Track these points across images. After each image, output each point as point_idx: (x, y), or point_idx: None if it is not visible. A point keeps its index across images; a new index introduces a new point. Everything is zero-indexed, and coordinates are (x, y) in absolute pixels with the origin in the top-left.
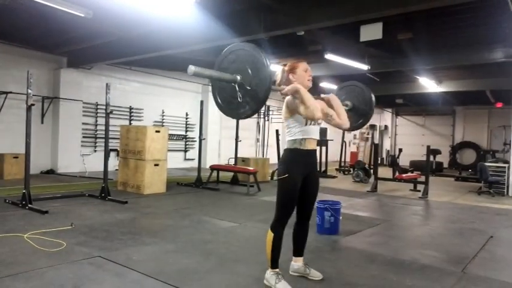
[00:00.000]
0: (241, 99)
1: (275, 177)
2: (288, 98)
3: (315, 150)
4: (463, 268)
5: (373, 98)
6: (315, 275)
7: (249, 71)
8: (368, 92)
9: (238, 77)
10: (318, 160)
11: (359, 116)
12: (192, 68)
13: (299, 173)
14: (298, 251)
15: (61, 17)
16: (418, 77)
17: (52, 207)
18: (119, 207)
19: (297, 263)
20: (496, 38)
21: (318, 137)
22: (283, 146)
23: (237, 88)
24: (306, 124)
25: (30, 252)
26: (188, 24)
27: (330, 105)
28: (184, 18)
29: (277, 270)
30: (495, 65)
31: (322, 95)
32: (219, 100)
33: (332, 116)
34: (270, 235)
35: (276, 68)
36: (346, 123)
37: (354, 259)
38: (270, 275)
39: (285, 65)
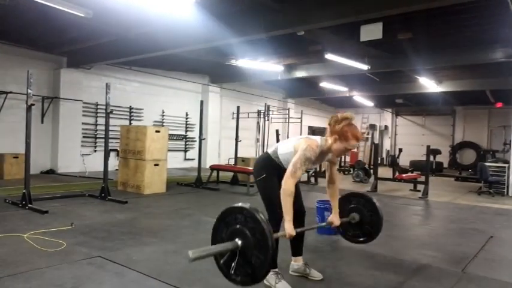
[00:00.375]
0: (244, 267)
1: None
2: (307, 154)
3: None
4: (463, 268)
5: (381, 216)
6: (315, 274)
7: (248, 233)
8: (378, 213)
9: (239, 242)
10: None
11: (362, 233)
12: (191, 256)
13: (275, 174)
14: (296, 250)
15: (61, 17)
16: (418, 77)
17: (52, 207)
18: (118, 207)
19: (296, 263)
20: (496, 38)
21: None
22: None
23: (239, 254)
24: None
25: (30, 252)
26: (188, 24)
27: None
28: (184, 18)
29: (276, 269)
30: (495, 65)
31: (329, 220)
32: (224, 268)
33: (328, 166)
34: None
35: (273, 67)
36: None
37: (354, 259)
38: (269, 275)
39: (348, 121)
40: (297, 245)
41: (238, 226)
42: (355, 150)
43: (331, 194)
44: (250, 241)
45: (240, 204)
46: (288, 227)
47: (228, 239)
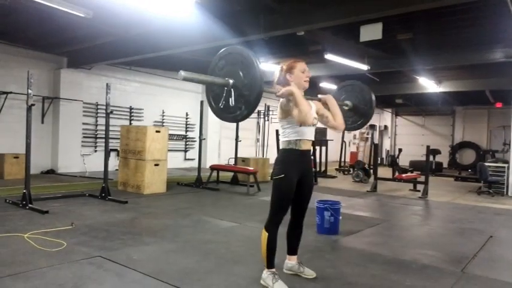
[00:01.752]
0: (235, 103)
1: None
2: (282, 99)
3: (310, 150)
4: (463, 268)
5: (373, 98)
6: (308, 273)
7: (240, 73)
8: (368, 91)
9: (231, 81)
10: (318, 160)
11: (359, 116)
12: (182, 74)
13: (295, 173)
14: (292, 250)
15: (61, 17)
16: (417, 77)
17: (52, 207)
18: (119, 207)
19: (290, 261)
20: (496, 38)
21: (312, 138)
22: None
23: (230, 92)
24: (300, 125)
25: (31, 252)
26: (188, 25)
27: (327, 106)
28: (185, 18)
29: (273, 270)
30: (495, 65)
31: (320, 96)
32: (213, 104)
33: (328, 118)
34: (265, 235)
35: (273, 68)
36: (341, 126)
37: (354, 259)
38: (266, 275)
39: (283, 64)
40: (293, 244)
41: (233, 67)
42: (356, 150)
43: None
44: (242, 80)
45: (241, 47)
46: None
47: (223, 76)
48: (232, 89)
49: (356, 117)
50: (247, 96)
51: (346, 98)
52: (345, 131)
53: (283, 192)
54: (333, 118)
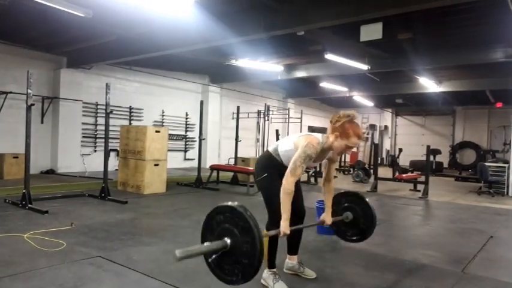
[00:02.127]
0: (232, 267)
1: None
2: (306, 148)
3: None
4: (463, 268)
5: (375, 215)
6: (309, 273)
7: (239, 235)
8: (368, 206)
9: (228, 241)
10: None
11: (357, 231)
12: (177, 255)
13: (276, 173)
14: (293, 250)
15: (61, 17)
16: (418, 77)
17: (52, 207)
18: (118, 207)
19: (291, 261)
20: (496, 38)
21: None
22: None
23: (228, 254)
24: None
25: (30, 252)
26: (188, 24)
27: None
28: (184, 18)
29: (274, 270)
30: (495, 65)
31: (322, 217)
32: (210, 262)
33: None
34: (265, 234)
35: (273, 67)
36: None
37: (354, 259)
38: (267, 275)
39: (350, 119)
40: (293, 244)
41: (227, 225)
42: (355, 150)
43: (325, 192)
44: (239, 240)
45: (229, 203)
46: (283, 225)
47: (217, 237)
48: (230, 250)
49: (353, 231)
50: (246, 265)
51: (348, 208)
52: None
53: (271, 189)
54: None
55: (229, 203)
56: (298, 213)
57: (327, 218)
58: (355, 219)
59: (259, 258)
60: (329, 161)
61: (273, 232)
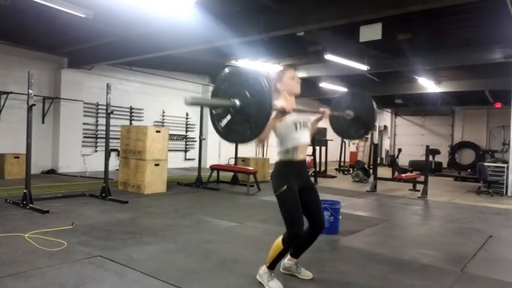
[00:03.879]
0: (243, 124)
1: (274, 193)
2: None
3: (305, 160)
4: (462, 268)
5: (375, 107)
6: (305, 274)
7: (247, 93)
8: (369, 99)
9: (237, 102)
10: (318, 160)
11: (361, 125)
12: (188, 99)
13: (296, 183)
14: (296, 254)
15: (62, 17)
16: (417, 77)
17: (53, 207)
18: (119, 207)
19: (289, 262)
20: (495, 38)
21: (308, 141)
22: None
23: (237, 113)
24: (295, 129)
25: (31, 252)
26: (188, 25)
27: (316, 124)
28: (185, 18)
29: (272, 270)
30: (494, 65)
31: (321, 109)
32: (219, 127)
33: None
34: (279, 245)
35: (272, 68)
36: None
37: (354, 259)
38: (263, 272)
39: (271, 74)
40: (301, 250)
41: (238, 88)
42: (356, 150)
43: None
44: (249, 101)
45: (243, 68)
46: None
47: (228, 96)
48: (239, 110)
49: (357, 127)
50: (255, 116)
51: (348, 107)
52: (346, 139)
53: (289, 203)
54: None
55: (238, 66)
56: (314, 225)
57: (326, 109)
58: (356, 115)
59: (269, 105)
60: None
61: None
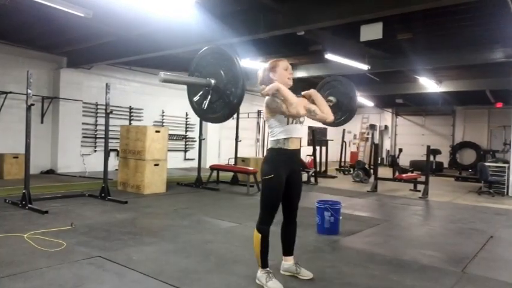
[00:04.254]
0: (218, 103)
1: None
2: (267, 98)
3: (299, 149)
4: (463, 268)
5: (355, 93)
6: (305, 274)
7: (222, 72)
8: (350, 86)
9: (213, 81)
10: (318, 160)
11: (343, 112)
12: (161, 75)
13: (283, 172)
14: (287, 250)
15: (61, 17)
16: (418, 77)
17: (52, 207)
18: (118, 207)
19: (287, 262)
20: (496, 38)
21: (301, 136)
22: None
23: (213, 91)
24: (287, 123)
25: (30, 252)
26: (188, 24)
27: (312, 101)
28: (185, 18)
29: (267, 269)
30: (495, 65)
31: (303, 92)
32: (196, 106)
33: (315, 111)
34: (257, 236)
35: (258, 67)
36: (330, 116)
37: (354, 259)
38: (261, 274)
39: (265, 65)
40: (288, 244)
41: (214, 67)
42: (356, 150)
43: None
44: (223, 79)
45: (219, 47)
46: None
47: (205, 76)
48: (214, 89)
49: (340, 113)
50: (229, 95)
51: (330, 93)
52: (330, 125)
53: (273, 191)
54: (320, 110)
55: (219, 46)
56: (291, 212)
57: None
58: (338, 101)
59: (241, 92)
60: (311, 112)
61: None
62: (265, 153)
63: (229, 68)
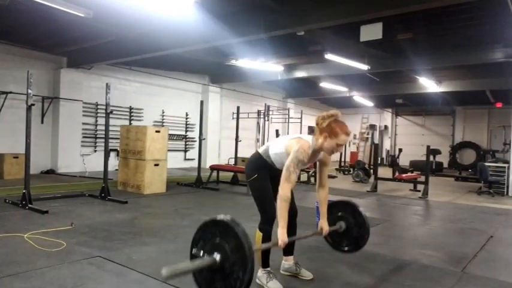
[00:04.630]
0: (223, 283)
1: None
2: (297, 153)
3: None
4: (463, 268)
5: (367, 222)
6: (305, 274)
7: (226, 247)
8: (361, 216)
9: (218, 257)
10: None
11: (350, 241)
12: (164, 273)
13: (266, 173)
14: (288, 250)
15: (61, 17)
16: (418, 77)
17: (52, 207)
18: (119, 207)
19: (287, 262)
20: (496, 38)
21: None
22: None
23: (220, 270)
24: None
25: (30, 252)
26: (188, 24)
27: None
28: (184, 18)
29: (268, 269)
30: (495, 65)
31: (320, 228)
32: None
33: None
34: (259, 235)
35: (273, 67)
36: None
37: (354, 259)
38: (261, 273)
39: (335, 118)
40: (288, 245)
41: (217, 240)
42: (356, 150)
43: (320, 198)
44: (229, 257)
45: (221, 216)
46: (281, 234)
47: (207, 252)
48: (219, 270)
49: (347, 242)
50: (236, 280)
51: (342, 218)
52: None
53: (261, 188)
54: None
55: (222, 217)
56: (289, 212)
57: (324, 224)
58: (348, 228)
59: (250, 277)
60: (321, 164)
61: (270, 244)
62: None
63: (232, 242)
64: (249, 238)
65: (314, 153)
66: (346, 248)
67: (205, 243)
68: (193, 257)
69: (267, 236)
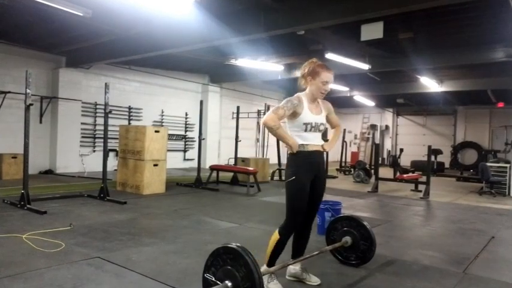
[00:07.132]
0: None
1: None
2: (288, 101)
3: (320, 151)
4: (465, 269)
5: (374, 237)
6: (313, 279)
7: (237, 275)
8: (366, 227)
9: (229, 284)
10: None
11: (357, 255)
12: None
13: (306, 175)
14: (297, 255)
15: (60, 16)
16: (419, 77)
17: (51, 208)
18: (118, 208)
19: (294, 267)
20: (497, 37)
21: (320, 143)
22: (283, 146)
23: None
24: (305, 131)
25: (29, 253)
26: (188, 24)
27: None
28: (184, 17)
29: (271, 270)
30: (496, 64)
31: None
32: None
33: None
34: (276, 236)
35: (273, 66)
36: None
37: None
38: (264, 271)
39: (314, 62)
40: (299, 247)
41: (229, 267)
42: (356, 150)
43: (332, 131)
44: (240, 286)
45: (233, 245)
46: (291, 142)
47: (218, 278)
48: None
49: (354, 256)
50: None
51: (346, 232)
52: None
53: (295, 194)
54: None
55: (234, 245)
56: (309, 215)
57: (326, 145)
58: (354, 242)
59: None
60: (329, 122)
61: (276, 268)
62: (265, 154)
63: (244, 271)
64: (258, 267)
65: (312, 101)
66: (354, 262)
67: (216, 269)
68: (205, 280)
69: (283, 240)
